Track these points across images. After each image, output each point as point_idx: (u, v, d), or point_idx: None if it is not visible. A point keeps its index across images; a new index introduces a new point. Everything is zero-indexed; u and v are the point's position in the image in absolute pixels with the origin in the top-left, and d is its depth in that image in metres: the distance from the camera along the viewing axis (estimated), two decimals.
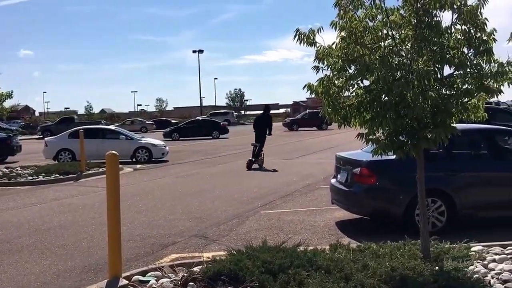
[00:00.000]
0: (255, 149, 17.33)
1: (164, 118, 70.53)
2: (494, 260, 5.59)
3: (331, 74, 5.28)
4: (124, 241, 6.43)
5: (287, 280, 4.84)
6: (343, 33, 5.19)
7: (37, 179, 15.35)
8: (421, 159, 5.45)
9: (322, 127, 43.27)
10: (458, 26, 5.12)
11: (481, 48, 5.06)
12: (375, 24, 5.18)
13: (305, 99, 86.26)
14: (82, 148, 16.68)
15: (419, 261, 5.33)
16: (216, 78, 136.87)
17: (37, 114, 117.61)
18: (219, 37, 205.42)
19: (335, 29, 5.25)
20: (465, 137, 8.13)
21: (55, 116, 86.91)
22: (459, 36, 5.11)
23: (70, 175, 15.80)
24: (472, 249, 5.91)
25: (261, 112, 19.03)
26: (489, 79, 5.07)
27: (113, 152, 5.41)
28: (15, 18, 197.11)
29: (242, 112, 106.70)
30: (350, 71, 5.20)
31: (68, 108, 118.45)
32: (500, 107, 24.93)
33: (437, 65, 5.07)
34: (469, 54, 5.12)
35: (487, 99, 5.50)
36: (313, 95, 5.50)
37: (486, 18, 5.03)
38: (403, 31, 5.20)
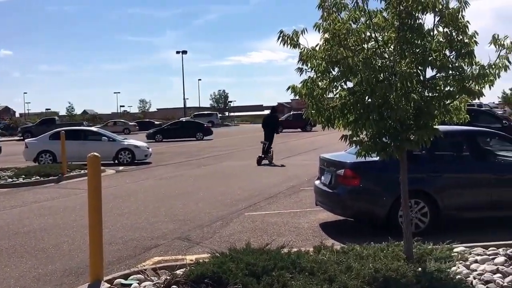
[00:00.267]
0: (265, 146, 18.63)
1: (147, 120, 70.04)
2: (476, 261, 5.64)
3: (315, 76, 5.28)
4: (105, 244, 6.35)
5: (270, 282, 4.82)
6: (326, 35, 5.19)
7: (17, 182, 15.12)
8: (404, 161, 5.48)
9: (307, 128, 43.38)
10: (440, 29, 5.16)
11: (462, 51, 5.10)
12: (358, 26, 5.19)
13: (290, 101, 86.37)
14: (63, 149, 16.48)
15: (402, 262, 5.36)
16: (200, 79, 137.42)
17: (17, 115, 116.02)
18: (203, 38, 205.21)
19: (319, 31, 5.25)
20: (448, 138, 8.23)
21: (36, 117, 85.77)
22: (441, 39, 5.15)
23: (51, 177, 15.60)
24: (455, 250, 5.95)
25: (269, 112, 20.71)
26: (470, 82, 5.12)
27: (95, 153, 5.35)
28: None
29: (226, 113, 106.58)
30: (334, 73, 5.21)
31: (49, 109, 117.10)
32: (482, 109, 25.30)
33: (419, 68, 5.10)
34: (451, 57, 5.16)
35: (470, 101, 5.56)
36: (297, 97, 5.50)
37: (467, 21, 5.08)
38: (386, 34, 5.22)
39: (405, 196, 5.56)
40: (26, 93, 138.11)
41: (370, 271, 5.08)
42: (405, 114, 5.00)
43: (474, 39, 5.13)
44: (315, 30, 5.26)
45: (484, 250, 6.04)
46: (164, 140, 37.69)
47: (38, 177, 15.54)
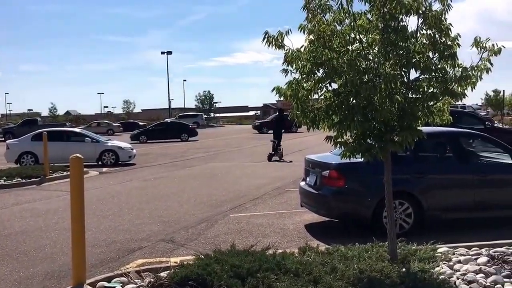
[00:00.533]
0: (274, 144, 20.34)
1: (132, 120, 69.49)
2: (459, 261, 5.70)
3: (300, 77, 5.28)
4: (88, 247, 6.28)
5: (255, 284, 4.80)
6: (311, 37, 5.20)
7: None
8: (388, 162, 5.50)
9: (292, 129, 43.45)
10: (424, 31, 5.20)
11: (445, 53, 5.15)
12: (343, 28, 5.20)
13: (275, 102, 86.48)
14: (45, 151, 16.27)
15: (387, 263, 5.39)
16: (185, 80, 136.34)
17: None
18: (188, 38, 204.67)
19: (304, 32, 5.26)
20: (431, 140, 8.31)
21: (18, 118, 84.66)
22: (424, 41, 5.19)
23: (32, 179, 15.40)
24: (438, 250, 6.00)
25: (277, 113, 23.04)
26: (453, 83, 5.17)
27: (77, 155, 5.30)
28: None
29: (212, 114, 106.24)
30: (319, 74, 5.22)
31: (32, 109, 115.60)
32: (465, 110, 25.61)
33: (403, 69, 5.13)
34: (434, 59, 5.20)
35: (453, 102, 5.61)
36: (282, 98, 5.49)
37: (450, 24, 5.13)
38: (370, 35, 5.25)
39: (389, 197, 5.59)
40: (7, 93, 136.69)
41: (354, 272, 5.10)
42: (389, 115, 5.02)
43: (457, 41, 5.18)
44: (300, 31, 5.27)
45: (467, 250, 6.10)
46: (148, 141, 37.45)
47: (20, 179, 15.33)
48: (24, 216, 10.22)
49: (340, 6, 5.15)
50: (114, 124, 60.74)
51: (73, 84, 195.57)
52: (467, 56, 5.19)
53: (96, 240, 7.93)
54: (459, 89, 5.22)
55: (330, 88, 5.29)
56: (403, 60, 5.07)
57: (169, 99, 78.68)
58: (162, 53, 74.93)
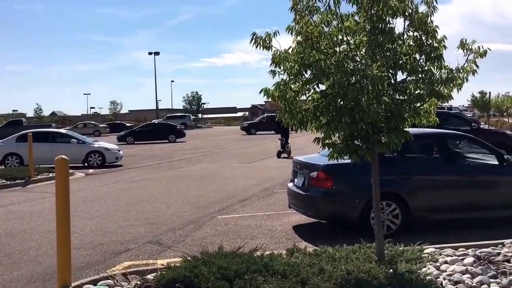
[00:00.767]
0: (282, 142, 21.43)
1: (119, 121, 69.09)
2: (446, 262, 5.72)
3: (288, 79, 5.28)
4: (74, 249, 6.21)
5: (243, 286, 4.78)
6: (299, 38, 5.20)
7: None
8: (375, 163, 5.52)
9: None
10: (410, 33, 5.23)
11: (432, 55, 5.18)
12: (330, 29, 5.21)
13: (263, 103, 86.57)
14: (30, 152, 16.09)
15: (374, 264, 5.40)
16: (172, 81, 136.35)
17: None
18: (175, 39, 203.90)
19: (291, 33, 5.26)
20: (418, 141, 8.35)
21: (3, 119, 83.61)
22: (411, 43, 5.22)
23: (17, 181, 15.21)
24: (425, 251, 6.03)
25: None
26: (439, 85, 5.20)
27: (63, 156, 5.22)
28: None
29: (200, 115, 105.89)
30: (306, 75, 5.22)
31: (16, 110, 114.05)
32: (452, 111, 25.84)
33: (390, 71, 5.15)
34: (421, 60, 5.24)
35: (440, 104, 5.65)
36: (270, 99, 5.49)
37: (436, 26, 5.17)
38: (357, 37, 5.26)
39: (376, 198, 5.61)
40: None
41: (342, 273, 5.10)
42: (376, 116, 5.03)
43: (443, 43, 5.22)
44: (288, 32, 5.27)
45: (454, 251, 6.13)
46: (135, 142, 37.23)
47: (4, 181, 15.13)
48: (9, 218, 10.09)
49: (327, 8, 5.16)
50: (101, 125, 60.31)
51: (59, 84, 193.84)
52: (453, 58, 5.23)
53: (81, 243, 7.85)
54: (446, 91, 5.25)
55: (317, 90, 5.29)
56: (390, 61, 5.09)
57: (156, 100, 78.36)
58: (150, 53, 74.61)
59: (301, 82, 5.24)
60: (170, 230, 8.69)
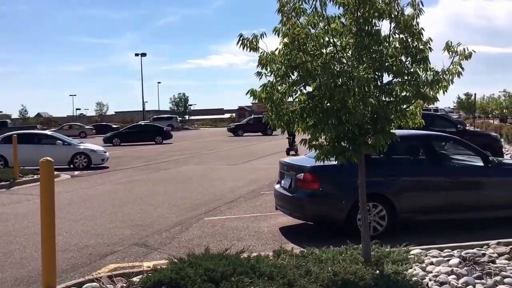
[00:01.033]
0: (290, 140, 22.11)
1: (105, 123, 68.66)
2: (431, 263, 5.76)
3: (274, 80, 5.28)
4: (59, 251, 6.15)
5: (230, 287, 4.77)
6: (286, 40, 5.20)
7: None
8: (362, 165, 5.54)
9: (267, 132, 43.53)
10: (396, 35, 5.26)
11: (417, 57, 5.22)
12: (317, 31, 5.22)
13: (250, 104, 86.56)
14: (15, 154, 15.94)
15: (361, 266, 5.42)
16: (159, 82, 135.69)
17: None
18: (162, 40, 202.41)
19: (278, 35, 5.26)
20: (404, 142, 8.41)
21: None
22: (397, 45, 5.25)
23: (2, 183, 15.04)
24: (411, 252, 6.07)
25: None
26: (425, 87, 5.23)
27: (47, 158, 5.16)
28: None
29: (186, 117, 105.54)
30: (293, 77, 5.22)
31: (1, 112, 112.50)
32: (438, 113, 26.05)
33: (376, 73, 5.18)
34: (407, 62, 5.27)
35: (427, 106, 5.68)
36: (256, 101, 5.48)
37: (422, 28, 5.20)
38: (344, 39, 5.28)
39: (363, 199, 5.63)
40: None
41: (329, 274, 5.11)
42: (362, 118, 5.06)
43: (429, 45, 5.26)
44: (275, 34, 5.26)
45: (440, 252, 6.18)
46: (122, 144, 37.01)
47: None
48: None
49: (314, 10, 5.16)
50: (87, 127, 59.89)
51: (44, 85, 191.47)
52: (439, 60, 5.27)
53: (67, 245, 7.77)
54: (431, 93, 5.29)
55: (304, 91, 5.30)
56: (376, 63, 5.11)
57: (143, 102, 77.99)
58: (136, 55, 74.25)
59: (287, 84, 5.25)
60: (156, 232, 8.64)
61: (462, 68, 5.23)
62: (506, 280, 5.15)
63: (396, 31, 5.23)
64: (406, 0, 5.21)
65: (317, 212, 8.05)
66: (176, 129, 61.99)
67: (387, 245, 6.19)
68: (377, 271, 5.32)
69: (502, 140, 22.54)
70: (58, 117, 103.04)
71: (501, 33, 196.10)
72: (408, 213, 7.92)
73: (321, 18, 5.20)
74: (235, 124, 54.15)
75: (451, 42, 5.25)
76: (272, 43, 5.27)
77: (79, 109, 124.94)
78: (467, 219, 8.33)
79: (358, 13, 5.13)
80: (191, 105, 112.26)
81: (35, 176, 15.66)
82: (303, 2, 5.14)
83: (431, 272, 5.50)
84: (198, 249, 6.39)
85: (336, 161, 5.42)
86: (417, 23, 5.18)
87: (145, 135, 38.82)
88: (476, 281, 5.19)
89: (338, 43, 5.25)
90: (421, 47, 5.22)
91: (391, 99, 5.31)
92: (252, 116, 52.95)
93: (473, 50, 5.23)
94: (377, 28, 5.21)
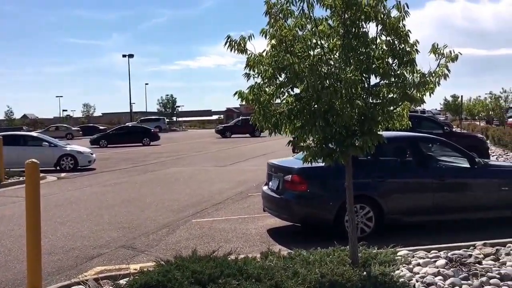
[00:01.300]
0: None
1: (92, 124, 68.20)
2: (418, 264, 5.80)
3: (262, 82, 5.28)
4: (45, 254, 6.09)
5: None
6: (273, 41, 5.20)
7: None
8: (349, 166, 5.56)
9: (255, 134, 43.52)
10: (383, 37, 5.28)
11: (404, 59, 5.24)
12: (304, 33, 5.23)
13: (238, 106, 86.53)
14: (0, 156, 15.75)
15: (348, 267, 5.43)
16: (147, 84, 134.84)
17: None
18: (150, 41, 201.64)
19: (266, 37, 5.26)
20: (392, 144, 8.45)
21: None
22: (384, 47, 5.27)
23: None
24: (398, 253, 6.10)
25: None
26: (412, 89, 5.26)
27: (33, 160, 5.12)
28: None
29: (174, 118, 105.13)
30: (281, 79, 5.22)
31: None
32: (425, 115, 26.25)
33: (364, 75, 5.19)
34: (394, 65, 5.29)
35: (414, 107, 5.71)
36: (244, 102, 5.47)
37: (408, 30, 5.23)
38: (331, 41, 5.29)
39: (350, 201, 5.64)
40: None
41: (316, 276, 5.12)
42: (350, 120, 5.07)
43: (415, 47, 5.28)
44: (262, 36, 5.26)
45: (427, 253, 6.22)
46: (109, 145, 36.76)
47: None
48: None
49: (301, 12, 5.17)
50: (73, 128, 59.43)
51: (30, 87, 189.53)
52: (425, 62, 5.30)
53: (53, 247, 7.69)
54: (418, 95, 5.31)
55: (292, 93, 5.31)
56: (363, 65, 5.13)
57: (130, 103, 77.48)
58: (124, 56, 73.82)
59: (275, 86, 5.25)
60: (143, 234, 8.59)
61: (449, 70, 5.26)
62: (492, 281, 5.20)
63: (383, 33, 5.25)
64: (392, 2, 5.24)
65: (305, 214, 8.05)
66: (164, 130, 61.74)
67: (374, 246, 6.22)
68: (364, 273, 5.34)
69: (488, 141, 22.78)
70: (45, 118, 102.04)
71: (487, 35, 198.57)
72: (395, 215, 7.96)
73: (308, 20, 5.20)
74: (223, 125, 54.04)
75: (437, 44, 5.28)
76: (259, 45, 5.28)
77: (66, 110, 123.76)
78: (454, 220, 8.39)
79: (345, 15, 5.14)
80: (178, 106, 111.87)
81: (21, 178, 15.52)
82: (291, 4, 5.14)
83: (418, 273, 5.53)
84: (186, 251, 6.36)
85: (324, 163, 5.43)
86: (404, 25, 5.21)
87: (132, 137, 38.59)
88: (463, 282, 5.23)
89: (326, 45, 5.26)
90: (407, 49, 5.25)
91: (378, 101, 5.33)
92: (240, 118, 52.87)
93: (459, 53, 5.27)
94: (364, 30, 5.23)
